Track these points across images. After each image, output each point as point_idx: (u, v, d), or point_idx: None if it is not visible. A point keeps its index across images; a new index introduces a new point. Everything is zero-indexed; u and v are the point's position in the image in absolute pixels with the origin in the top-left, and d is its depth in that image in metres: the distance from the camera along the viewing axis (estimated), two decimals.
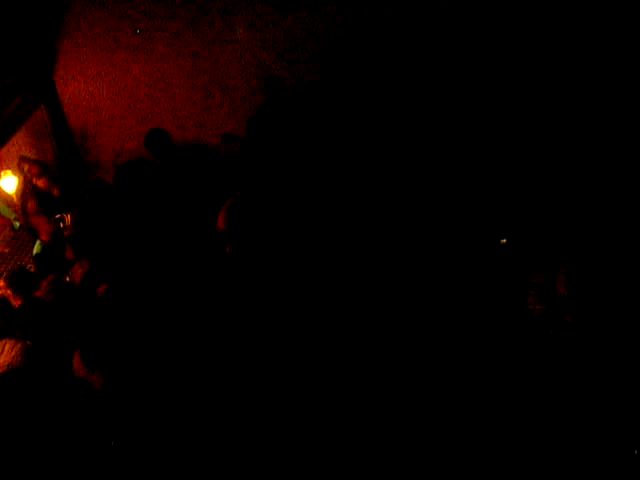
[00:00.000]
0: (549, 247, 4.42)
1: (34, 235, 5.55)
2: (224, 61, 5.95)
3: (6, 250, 6.19)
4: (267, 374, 4.02)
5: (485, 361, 3.99)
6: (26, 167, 5.80)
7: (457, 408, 3.81)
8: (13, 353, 3.73)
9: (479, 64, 5.54)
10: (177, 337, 4.22)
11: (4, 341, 3.87)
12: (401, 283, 4.64)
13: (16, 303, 4.31)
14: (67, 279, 4.71)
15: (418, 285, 4.61)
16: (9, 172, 5.73)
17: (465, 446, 3.61)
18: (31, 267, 5.79)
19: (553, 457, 3.44)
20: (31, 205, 5.48)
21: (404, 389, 3.94)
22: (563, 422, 3.55)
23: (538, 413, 3.63)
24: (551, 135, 5.55)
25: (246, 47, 5.86)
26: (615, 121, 5.34)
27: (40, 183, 5.69)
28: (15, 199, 5.89)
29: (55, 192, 5.63)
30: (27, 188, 5.66)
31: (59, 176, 6.21)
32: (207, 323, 4.37)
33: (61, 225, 5.27)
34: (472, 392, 3.87)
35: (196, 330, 4.29)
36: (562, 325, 3.92)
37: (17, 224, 6.49)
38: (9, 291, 4.33)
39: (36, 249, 5.33)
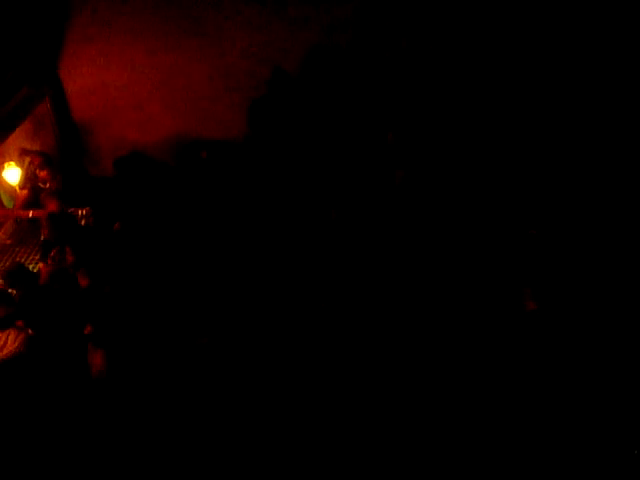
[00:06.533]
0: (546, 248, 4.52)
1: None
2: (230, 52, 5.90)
3: (9, 242, 6.19)
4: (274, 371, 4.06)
5: (483, 356, 4.03)
6: (28, 159, 5.82)
7: (456, 402, 3.83)
8: (17, 343, 3.78)
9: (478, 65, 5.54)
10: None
11: (8, 331, 3.91)
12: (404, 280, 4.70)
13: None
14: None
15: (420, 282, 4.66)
16: (12, 164, 5.76)
17: (464, 442, 3.63)
18: (33, 260, 5.84)
19: (553, 456, 3.46)
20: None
21: (403, 382, 3.98)
22: (563, 421, 3.57)
23: (537, 411, 3.65)
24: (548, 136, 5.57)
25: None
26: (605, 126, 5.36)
27: (42, 174, 5.73)
28: (18, 190, 5.91)
29: (53, 185, 5.69)
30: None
31: (61, 168, 6.24)
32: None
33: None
34: (470, 387, 3.90)
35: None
36: (552, 322, 4.00)
37: None
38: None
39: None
